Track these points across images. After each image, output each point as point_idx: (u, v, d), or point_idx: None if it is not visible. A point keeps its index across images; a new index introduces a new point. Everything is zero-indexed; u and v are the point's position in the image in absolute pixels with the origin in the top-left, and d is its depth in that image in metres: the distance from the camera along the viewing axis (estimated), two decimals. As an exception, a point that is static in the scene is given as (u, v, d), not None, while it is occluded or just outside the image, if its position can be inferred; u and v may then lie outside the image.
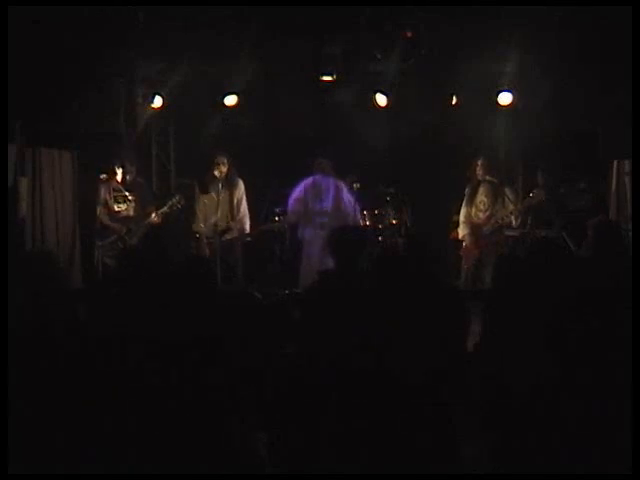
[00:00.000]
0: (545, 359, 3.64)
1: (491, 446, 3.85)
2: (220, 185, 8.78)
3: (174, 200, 8.68)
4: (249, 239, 9.13)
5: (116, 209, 8.68)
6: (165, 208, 8.66)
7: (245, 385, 3.83)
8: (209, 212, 8.96)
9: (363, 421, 3.54)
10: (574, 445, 3.51)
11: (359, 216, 8.88)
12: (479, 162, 8.46)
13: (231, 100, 8.84)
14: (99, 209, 8.65)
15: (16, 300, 4.00)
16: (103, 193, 8.66)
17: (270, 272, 9.27)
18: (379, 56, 8.53)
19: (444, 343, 3.89)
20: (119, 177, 8.65)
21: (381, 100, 8.81)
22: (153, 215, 8.59)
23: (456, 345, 4.05)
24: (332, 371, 3.60)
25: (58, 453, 3.61)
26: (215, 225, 8.79)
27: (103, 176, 8.69)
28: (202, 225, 9.00)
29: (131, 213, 8.71)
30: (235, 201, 8.90)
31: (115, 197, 8.67)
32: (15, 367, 3.63)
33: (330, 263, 4.79)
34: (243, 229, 8.98)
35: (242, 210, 8.96)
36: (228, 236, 8.90)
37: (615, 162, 8.64)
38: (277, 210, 9.19)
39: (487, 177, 8.45)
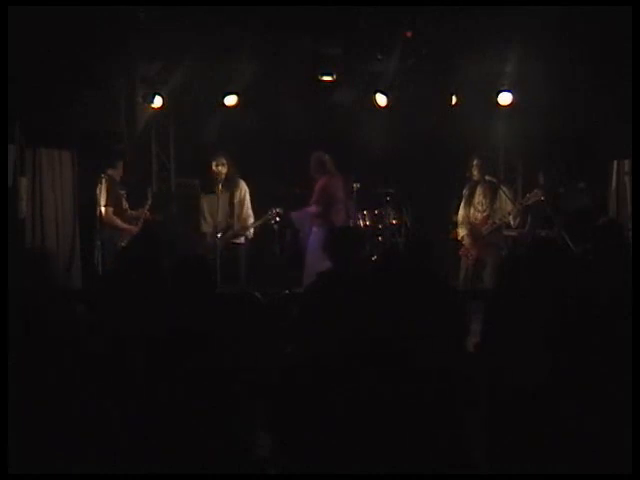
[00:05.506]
0: (545, 359, 3.64)
1: (491, 446, 3.85)
2: (220, 185, 8.75)
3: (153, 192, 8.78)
4: (251, 237, 9.11)
5: (124, 208, 8.57)
6: (149, 201, 8.66)
7: (245, 385, 3.83)
8: (210, 212, 8.95)
9: (363, 421, 3.54)
10: (574, 445, 3.51)
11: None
12: (474, 162, 8.44)
13: (231, 100, 8.84)
14: (110, 210, 8.43)
15: (16, 300, 4.01)
16: (114, 191, 8.46)
17: (270, 272, 9.25)
18: (379, 56, 8.55)
19: (444, 343, 3.89)
20: (120, 174, 8.57)
21: (381, 100, 8.81)
22: (146, 212, 8.59)
23: (456, 345, 4.05)
24: (332, 371, 3.60)
25: (58, 453, 3.61)
26: (216, 225, 8.79)
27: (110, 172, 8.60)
28: (204, 225, 9.00)
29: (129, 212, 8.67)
30: (236, 201, 8.86)
31: (121, 196, 8.56)
32: (15, 367, 3.63)
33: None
34: (247, 229, 8.95)
35: (245, 210, 8.92)
36: (229, 236, 8.88)
37: (615, 162, 8.64)
38: (277, 210, 9.18)
39: (486, 177, 8.43)
